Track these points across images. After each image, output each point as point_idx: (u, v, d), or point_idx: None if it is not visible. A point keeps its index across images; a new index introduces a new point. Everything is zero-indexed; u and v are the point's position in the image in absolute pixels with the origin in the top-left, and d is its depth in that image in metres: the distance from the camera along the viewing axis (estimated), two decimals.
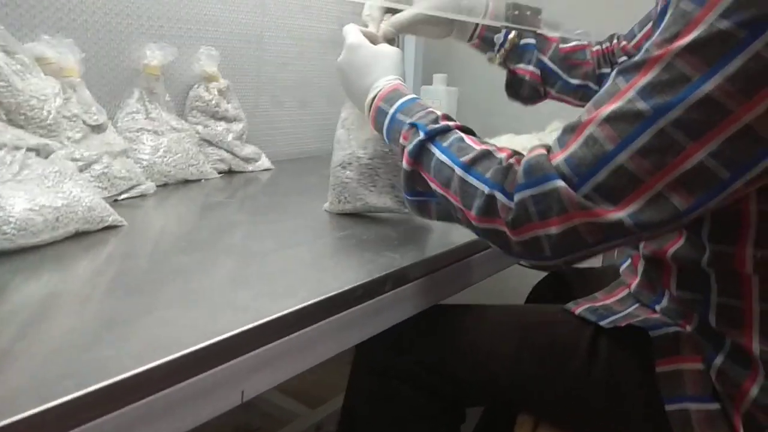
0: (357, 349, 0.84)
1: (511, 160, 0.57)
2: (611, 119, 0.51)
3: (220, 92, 1.21)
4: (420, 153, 0.65)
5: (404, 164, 0.67)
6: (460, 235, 0.82)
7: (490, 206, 0.57)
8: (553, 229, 0.53)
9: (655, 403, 0.65)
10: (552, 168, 0.53)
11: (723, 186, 0.49)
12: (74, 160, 0.87)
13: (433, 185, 0.64)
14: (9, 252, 0.67)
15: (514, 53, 1.00)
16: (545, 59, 1.02)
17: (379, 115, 0.73)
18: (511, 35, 0.99)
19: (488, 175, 0.58)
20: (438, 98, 1.62)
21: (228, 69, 1.30)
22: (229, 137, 1.22)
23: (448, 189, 0.62)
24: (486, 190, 0.57)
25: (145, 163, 1.03)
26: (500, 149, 0.60)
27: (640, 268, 0.75)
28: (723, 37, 0.46)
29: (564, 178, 0.53)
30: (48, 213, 0.70)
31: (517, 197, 0.55)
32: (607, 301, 0.78)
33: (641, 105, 0.50)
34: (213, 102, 1.20)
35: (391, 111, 0.71)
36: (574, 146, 0.53)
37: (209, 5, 1.25)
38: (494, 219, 0.57)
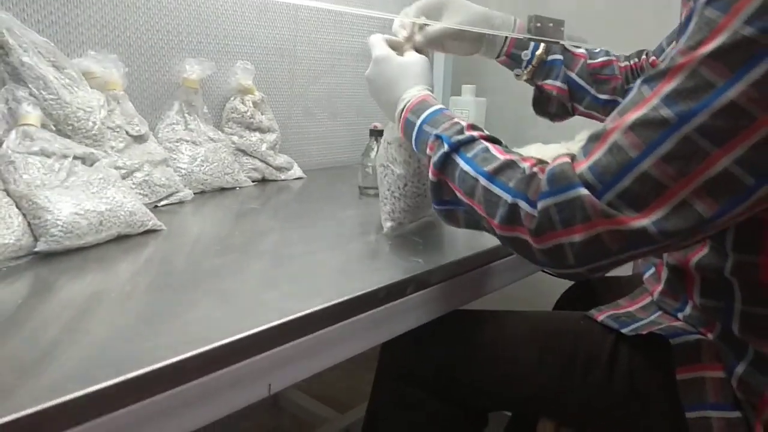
0: (381, 353, 0.86)
1: (535, 169, 0.58)
2: (636, 126, 0.51)
3: (255, 104, 1.26)
4: (445, 164, 0.66)
5: (431, 175, 0.68)
6: (484, 241, 0.84)
7: (513, 215, 0.58)
8: (577, 237, 0.53)
9: (676, 411, 0.66)
10: (576, 176, 0.53)
11: (748, 193, 0.49)
12: (117, 168, 0.92)
13: (458, 194, 0.65)
14: (56, 253, 0.72)
15: (542, 69, 1.01)
16: (573, 75, 1.02)
17: (407, 127, 0.75)
18: (539, 51, 0.99)
19: (512, 184, 0.58)
20: (467, 109, 1.64)
21: (263, 82, 1.34)
22: (263, 147, 1.26)
23: (473, 198, 0.63)
24: (509, 199, 0.58)
25: (183, 171, 1.08)
26: (524, 159, 0.61)
27: (664, 276, 0.75)
28: (747, 44, 0.46)
29: (588, 186, 0.53)
30: (92, 217, 0.75)
31: (540, 205, 0.55)
32: (630, 308, 0.78)
33: (665, 112, 0.50)
34: (248, 113, 1.24)
35: (418, 122, 0.72)
36: (598, 154, 0.53)
37: (245, 22, 1.30)
38: (517, 227, 0.58)
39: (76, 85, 0.90)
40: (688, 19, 0.52)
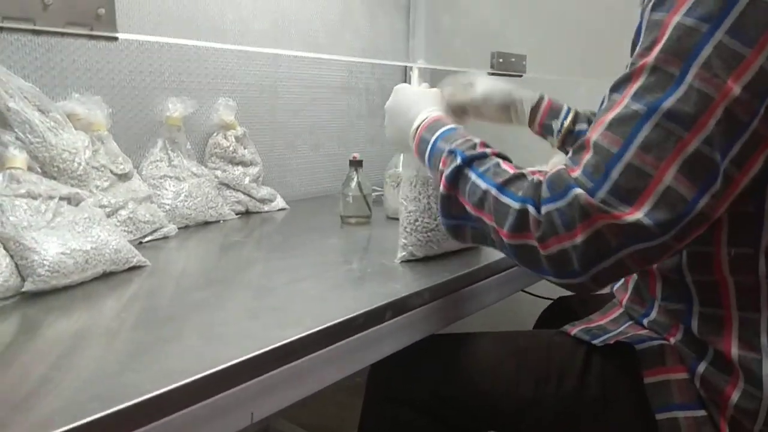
0: (369, 377, 0.89)
1: (540, 177, 0.62)
2: (611, 126, 0.57)
3: (237, 139, 1.29)
4: (457, 177, 0.68)
5: (441, 188, 0.70)
6: (461, 265, 0.87)
7: (522, 221, 0.60)
8: (579, 239, 0.56)
9: (646, 413, 0.69)
10: (571, 179, 0.58)
11: (716, 170, 0.54)
12: (102, 206, 0.94)
13: (468, 208, 0.67)
14: (43, 292, 0.74)
15: (570, 137, 1.06)
16: None
17: (421, 144, 0.78)
18: (567, 122, 1.04)
19: (521, 193, 0.61)
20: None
21: (245, 117, 1.38)
22: (246, 180, 1.29)
23: (482, 209, 0.65)
24: (518, 206, 0.60)
25: (167, 207, 1.11)
26: (533, 172, 0.64)
27: (632, 283, 0.80)
28: (690, 32, 0.53)
29: (582, 187, 0.57)
30: (78, 256, 0.77)
31: (543, 210, 0.58)
32: (601, 322, 0.82)
33: (635, 106, 0.56)
34: (231, 148, 1.27)
35: (433, 139, 0.75)
36: (586, 158, 0.58)
37: (226, 60, 1.34)
38: (525, 234, 0.60)
39: (60, 127, 0.93)
40: (639, 27, 0.59)
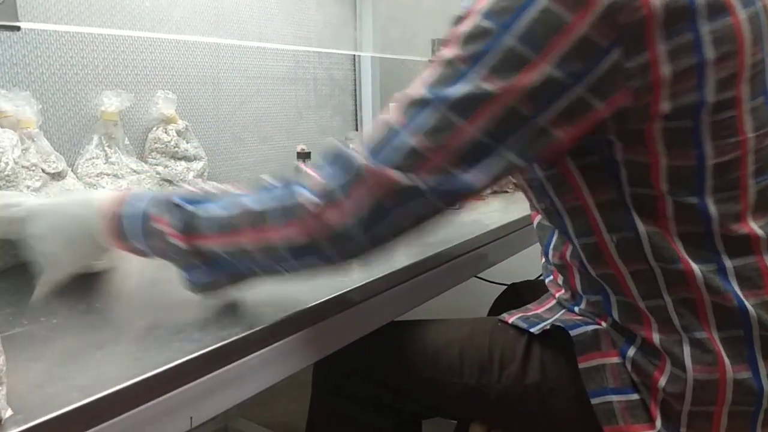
0: (314, 371, 0.88)
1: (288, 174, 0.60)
2: (403, 107, 0.57)
3: (179, 133, 1.26)
4: (193, 222, 0.61)
5: (179, 243, 0.61)
6: (407, 257, 0.86)
7: (297, 209, 0.57)
8: (353, 202, 0.55)
9: (583, 397, 0.70)
10: (351, 150, 0.57)
11: (491, 154, 0.56)
12: None
13: (218, 244, 0.61)
14: None
15: None
16: None
17: (123, 222, 0.64)
18: None
19: (277, 191, 0.59)
20: None
21: (187, 110, 1.34)
22: (190, 175, 1.26)
23: (238, 228, 0.60)
24: (288, 200, 0.58)
25: None
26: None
27: (560, 278, 0.81)
28: (483, 32, 0.55)
29: (362, 156, 0.56)
30: None
31: (325, 186, 0.56)
32: (538, 311, 0.83)
33: (424, 93, 0.56)
34: (172, 143, 1.24)
35: (143, 206, 0.64)
36: (370, 134, 0.58)
37: (164, 52, 1.29)
38: (307, 220, 0.57)
39: None
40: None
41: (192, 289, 0.66)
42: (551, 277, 0.85)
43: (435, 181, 0.55)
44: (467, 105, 0.55)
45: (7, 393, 0.49)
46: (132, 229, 0.64)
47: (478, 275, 1.17)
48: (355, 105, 1.88)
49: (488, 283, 1.44)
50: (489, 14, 0.54)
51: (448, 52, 0.57)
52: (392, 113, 0.58)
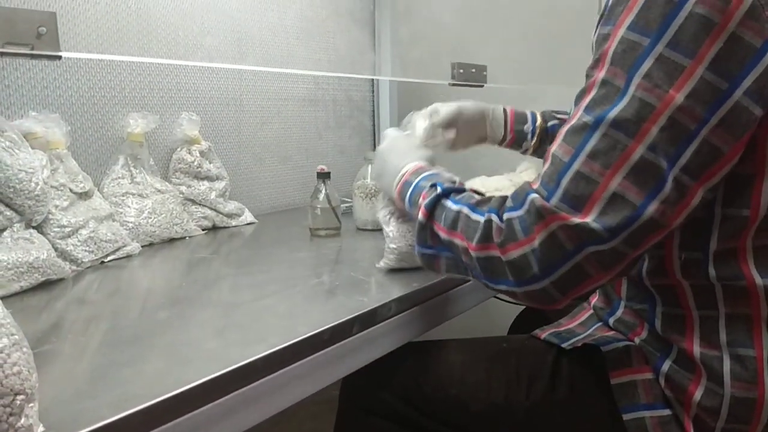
0: (341, 389, 0.88)
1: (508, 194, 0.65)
2: (566, 137, 0.60)
3: (202, 153, 1.28)
4: (435, 206, 0.72)
5: (420, 216, 0.73)
6: (428, 277, 0.87)
7: (487, 231, 0.63)
8: (536, 242, 0.58)
9: (614, 413, 0.70)
10: (531, 190, 0.61)
11: (663, 176, 0.55)
12: (61, 227, 0.92)
13: (442, 234, 0.70)
14: None
15: (545, 136, 1.08)
16: None
17: (404, 186, 0.81)
18: (538, 121, 1.08)
19: (487, 207, 0.65)
20: None
21: (210, 131, 1.37)
22: (212, 195, 1.28)
23: (455, 230, 0.67)
24: (485, 218, 0.63)
25: (130, 225, 1.08)
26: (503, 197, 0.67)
27: None
28: (632, 46, 0.56)
29: (539, 195, 0.60)
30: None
31: (505, 217, 0.61)
32: (570, 326, 0.83)
33: (585, 118, 0.58)
34: (195, 163, 1.26)
35: (416, 181, 0.79)
36: (544, 169, 0.61)
37: (189, 75, 1.32)
38: (490, 245, 0.62)
39: (16, 147, 0.91)
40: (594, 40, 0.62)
41: (418, 258, 0.76)
42: None
43: (611, 219, 0.55)
44: (631, 121, 0.55)
45: (41, 409, 0.50)
46: (406, 194, 0.80)
47: (497, 295, 1.17)
48: (374, 125, 1.90)
49: (507, 303, 1.44)
50: (635, 27, 0.55)
51: (600, 73, 0.58)
52: (557, 145, 0.60)
